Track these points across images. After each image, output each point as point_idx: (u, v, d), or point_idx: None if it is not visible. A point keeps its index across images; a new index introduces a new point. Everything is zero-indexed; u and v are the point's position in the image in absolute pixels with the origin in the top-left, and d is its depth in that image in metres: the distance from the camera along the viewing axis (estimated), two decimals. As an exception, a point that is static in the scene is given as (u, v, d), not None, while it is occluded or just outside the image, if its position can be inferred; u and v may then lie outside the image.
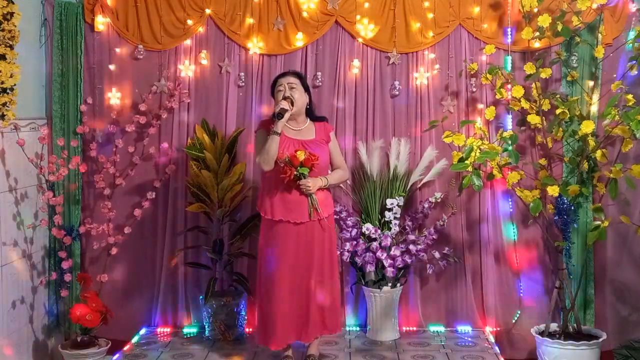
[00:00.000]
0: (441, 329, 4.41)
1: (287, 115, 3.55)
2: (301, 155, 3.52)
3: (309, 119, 3.77)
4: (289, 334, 3.65)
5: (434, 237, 4.24)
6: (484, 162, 3.92)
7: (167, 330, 4.44)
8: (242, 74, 4.41)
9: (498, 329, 4.38)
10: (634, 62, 3.86)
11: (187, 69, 4.41)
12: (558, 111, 3.96)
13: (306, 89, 3.74)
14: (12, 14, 3.63)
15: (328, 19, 4.35)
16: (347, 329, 4.42)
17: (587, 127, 3.73)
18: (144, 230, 4.46)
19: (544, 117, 4.06)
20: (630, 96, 3.79)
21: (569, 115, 3.98)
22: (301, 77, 3.76)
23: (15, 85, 3.68)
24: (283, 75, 3.75)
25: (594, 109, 4.15)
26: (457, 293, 4.41)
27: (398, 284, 4.25)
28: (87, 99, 4.37)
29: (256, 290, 3.85)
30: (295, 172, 3.51)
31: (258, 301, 3.80)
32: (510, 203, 4.35)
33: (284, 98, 3.60)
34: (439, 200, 4.29)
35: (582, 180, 4.06)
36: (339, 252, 4.15)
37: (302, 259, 3.61)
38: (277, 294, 3.61)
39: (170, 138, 4.41)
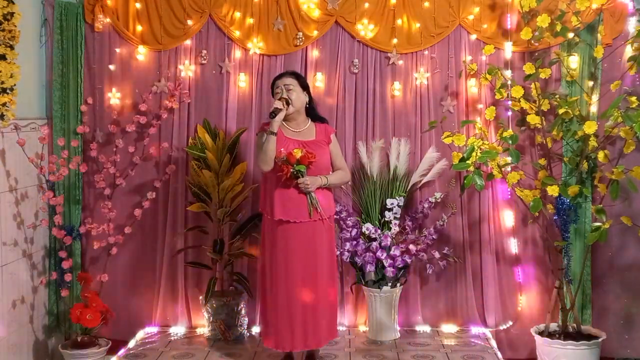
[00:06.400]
0: (441, 329, 4.41)
1: (281, 115, 3.54)
2: (298, 153, 3.52)
3: (310, 120, 3.77)
4: (295, 338, 3.61)
5: (434, 237, 4.24)
6: (485, 162, 3.93)
7: (167, 330, 4.44)
8: (242, 74, 4.41)
9: (498, 329, 4.38)
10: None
11: (187, 69, 4.41)
12: (561, 111, 3.97)
13: (305, 88, 3.73)
14: (12, 14, 3.63)
15: (328, 19, 4.35)
16: (347, 329, 4.42)
17: (590, 127, 3.73)
18: (144, 230, 4.46)
19: (543, 117, 4.07)
20: (634, 98, 3.79)
21: (570, 115, 3.99)
22: (299, 77, 3.75)
23: (15, 85, 3.69)
24: (280, 76, 3.75)
25: (593, 109, 4.16)
26: (457, 293, 4.41)
27: (398, 284, 4.25)
28: (88, 99, 4.37)
29: (258, 291, 3.85)
30: (291, 170, 3.51)
31: (260, 302, 3.79)
32: (510, 203, 4.35)
33: (279, 99, 3.61)
34: (439, 200, 4.30)
35: (582, 180, 4.07)
36: (338, 252, 4.16)
37: (303, 260, 3.59)
38: (277, 295, 3.61)
39: (171, 138, 4.41)
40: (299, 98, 3.66)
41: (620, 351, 4.25)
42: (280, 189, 3.59)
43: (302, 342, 3.63)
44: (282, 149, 3.55)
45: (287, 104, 3.60)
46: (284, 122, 3.67)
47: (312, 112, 3.78)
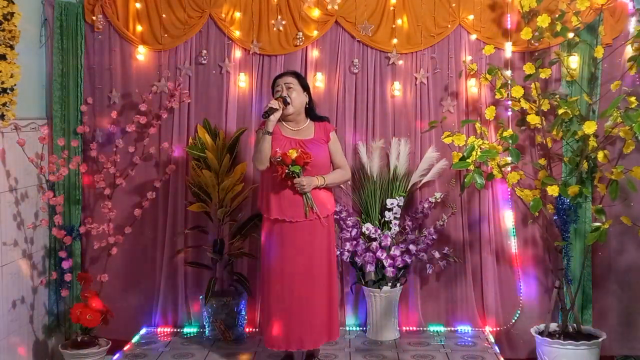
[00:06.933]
0: (441, 329, 4.41)
1: (276, 114, 3.53)
2: (293, 154, 3.51)
3: (309, 119, 3.77)
4: (290, 338, 3.61)
5: (434, 237, 4.24)
6: (485, 162, 3.93)
7: (167, 330, 4.45)
8: (242, 74, 4.41)
9: (498, 329, 4.38)
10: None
11: (187, 69, 4.41)
12: (560, 111, 3.97)
13: (305, 88, 3.73)
14: (12, 14, 3.63)
15: (328, 19, 4.36)
16: (347, 329, 4.42)
17: (589, 127, 3.73)
18: (144, 230, 4.46)
19: (543, 117, 4.07)
20: (633, 98, 3.79)
21: (570, 115, 3.99)
22: (299, 77, 3.76)
23: (15, 85, 3.69)
24: (281, 75, 3.75)
25: (593, 109, 4.15)
26: (457, 293, 4.41)
27: (398, 284, 4.25)
28: (88, 99, 4.37)
29: (259, 290, 3.84)
30: (286, 170, 3.50)
31: (260, 301, 3.78)
32: (510, 203, 4.35)
33: (277, 98, 3.60)
34: (439, 200, 4.30)
35: (582, 180, 4.07)
36: (338, 252, 4.15)
37: (299, 259, 3.58)
38: (275, 294, 3.61)
39: (171, 138, 4.41)
40: (298, 97, 3.66)
41: (620, 351, 4.25)
42: (277, 188, 3.59)
43: (298, 342, 3.63)
44: (277, 149, 3.54)
45: (285, 103, 3.60)
46: (282, 121, 3.67)
47: (311, 112, 3.78)
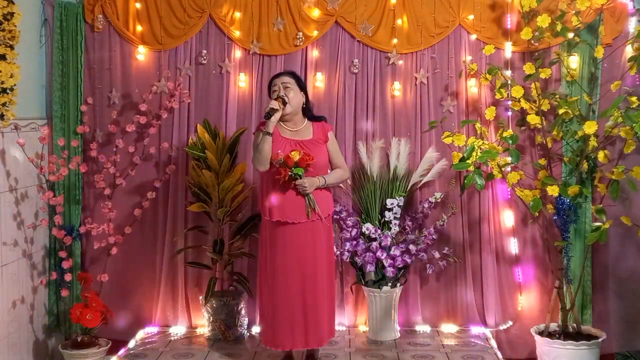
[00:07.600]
0: (441, 329, 4.41)
1: (277, 115, 3.52)
2: (295, 156, 3.50)
3: (306, 119, 3.76)
4: (295, 338, 3.61)
5: (433, 237, 4.24)
6: (485, 162, 3.93)
7: (167, 330, 4.44)
8: (242, 74, 4.41)
9: (498, 329, 4.38)
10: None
11: (187, 69, 4.41)
12: (561, 111, 3.97)
13: (302, 88, 3.72)
14: (12, 14, 3.64)
15: (328, 19, 4.36)
16: (347, 329, 4.42)
17: (590, 127, 3.73)
18: (144, 230, 4.46)
19: (543, 117, 4.07)
20: (634, 98, 3.79)
21: (570, 115, 3.99)
22: (296, 77, 3.75)
23: (15, 85, 3.69)
24: (278, 75, 3.75)
25: (593, 109, 4.15)
26: (457, 293, 4.41)
27: (398, 284, 4.25)
28: (88, 99, 4.37)
29: (257, 291, 3.84)
30: (289, 173, 3.50)
31: (259, 302, 3.78)
32: (510, 203, 4.35)
33: (275, 98, 3.60)
34: (439, 200, 4.30)
35: (582, 180, 4.07)
36: (338, 252, 4.16)
37: (302, 260, 3.58)
38: (277, 295, 3.60)
39: (171, 138, 4.41)
40: (296, 97, 3.65)
41: (620, 350, 4.25)
42: (278, 189, 3.58)
43: (303, 341, 3.63)
44: (279, 151, 3.53)
45: (284, 103, 3.59)
46: (280, 122, 3.66)
47: (308, 113, 3.77)
